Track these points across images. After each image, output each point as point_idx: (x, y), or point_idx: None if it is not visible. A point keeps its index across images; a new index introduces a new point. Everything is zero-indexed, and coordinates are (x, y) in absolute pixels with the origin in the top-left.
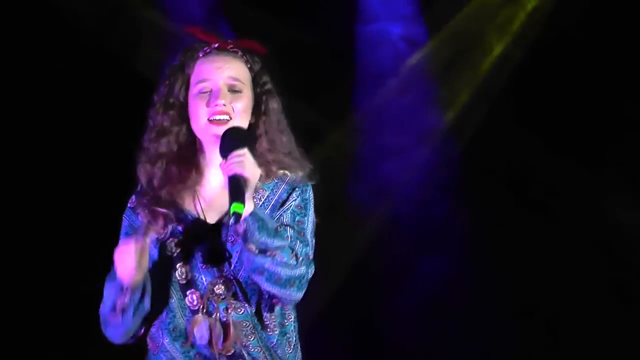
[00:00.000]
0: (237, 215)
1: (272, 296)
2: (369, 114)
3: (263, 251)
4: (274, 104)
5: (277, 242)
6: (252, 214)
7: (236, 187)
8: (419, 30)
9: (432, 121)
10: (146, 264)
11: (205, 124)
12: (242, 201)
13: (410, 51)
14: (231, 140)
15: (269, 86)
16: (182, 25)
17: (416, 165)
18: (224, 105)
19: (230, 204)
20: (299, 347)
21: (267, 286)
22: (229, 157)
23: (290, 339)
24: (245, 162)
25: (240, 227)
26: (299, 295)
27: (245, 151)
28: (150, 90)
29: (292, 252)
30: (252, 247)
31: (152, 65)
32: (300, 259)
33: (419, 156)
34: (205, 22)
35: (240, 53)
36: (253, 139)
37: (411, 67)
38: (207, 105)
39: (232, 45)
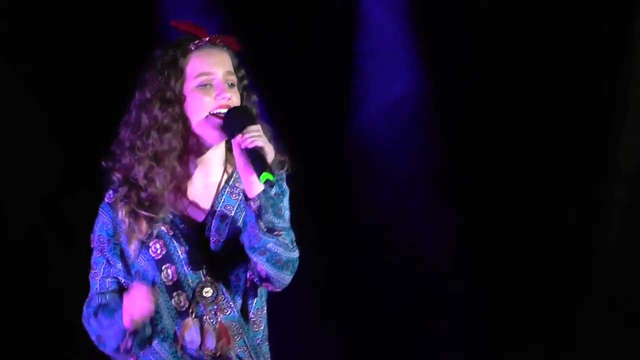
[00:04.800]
0: (269, 183)
1: (264, 279)
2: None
3: (270, 230)
4: (254, 97)
5: (282, 223)
6: (264, 191)
7: (259, 157)
8: None
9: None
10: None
11: (208, 117)
12: (270, 170)
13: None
14: (240, 117)
15: (246, 81)
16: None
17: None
18: (229, 98)
19: (259, 174)
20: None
21: (266, 267)
22: (245, 131)
23: (266, 332)
24: (263, 137)
25: (254, 204)
26: (290, 278)
27: (259, 127)
28: None
29: (290, 235)
30: (262, 224)
31: None
32: (294, 242)
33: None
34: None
35: (225, 47)
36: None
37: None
38: (214, 97)
39: (219, 40)
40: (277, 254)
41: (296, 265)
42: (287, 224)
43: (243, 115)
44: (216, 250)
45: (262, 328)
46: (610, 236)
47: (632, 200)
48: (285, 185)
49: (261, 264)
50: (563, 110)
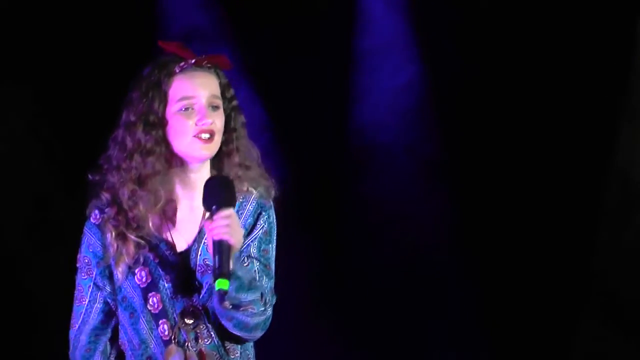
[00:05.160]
0: (222, 292)
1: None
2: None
3: (236, 306)
4: (242, 119)
5: (250, 296)
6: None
7: (221, 256)
8: None
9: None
10: None
11: (192, 140)
12: (228, 275)
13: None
14: (217, 192)
15: (235, 101)
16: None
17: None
18: (211, 123)
19: (215, 278)
20: (254, 355)
21: (234, 331)
22: (215, 217)
23: (250, 355)
24: (232, 226)
25: (217, 292)
26: (261, 334)
27: (231, 212)
28: None
29: (262, 298)
30: (227, 304)
31: None
32: (267, 301)
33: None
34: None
35: (212, 69)
36: (219, 154)
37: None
38: (195, 123)
39: (206, 61)
40: (244, 322)
41: (268, 322)
42: (256, 295)
43: (219, 190)
44: (202, 280)
45: (237, 355)
46: (610, 236)
47: (631, 200)
48: (273, 219)
49: (229, 328)
50: (563, 107)
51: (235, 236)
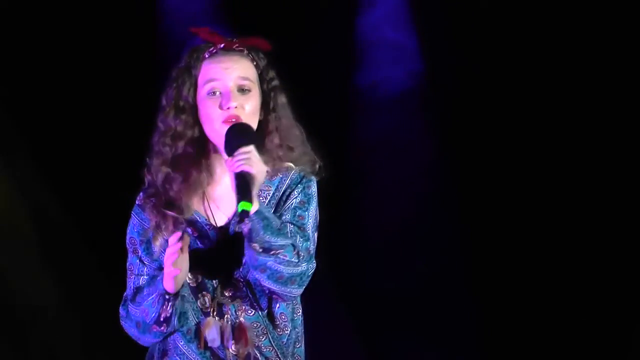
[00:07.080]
0: (245, 213)
1: (272, 292)
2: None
3: (267, 250)
4: (282, 99)
5: (280, 241)
6: (257, 212)
7: (243, 184)
8: None
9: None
10: (187, 266)
11: (220, 126)
12: (250, 199)
13: None
14: (237, 137)
15: (276, 82)
16: (185, 26)
17: None
18: (235, 107)
19: (238, 202)
20: (304, 339)
21: (268, 284)
22: (235, 154)
23: (299, 334)
24: (252, 159)
25: (245, 226)
26: (299, 291)
27: (251, 148)
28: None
29: (294, 249)
30: (256, 246)
31: None
32: (302, 255)
33: None
34: (205, 19)
35: (245, 51)
36: (259, 135)
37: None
38: (220, 106)
39: (237, 44)
40: (277, 272)
41: (305, 278)
42: (286, 241)
43: (239, 135)
44: (241, 253)
45: (287, 332)
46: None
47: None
48: (312, 191)
49: (263, 281)
50: (563, 102)
51: (255, 166)
